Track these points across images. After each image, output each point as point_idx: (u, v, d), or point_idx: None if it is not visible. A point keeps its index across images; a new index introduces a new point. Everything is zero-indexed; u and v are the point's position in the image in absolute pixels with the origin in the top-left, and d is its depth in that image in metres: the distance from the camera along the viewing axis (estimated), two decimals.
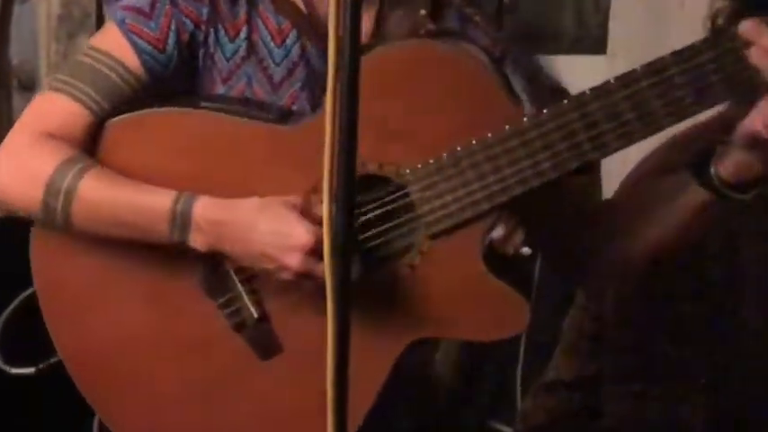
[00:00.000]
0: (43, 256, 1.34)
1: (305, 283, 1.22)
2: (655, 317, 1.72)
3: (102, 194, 1.26)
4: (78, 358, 1.35)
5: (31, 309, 1.36)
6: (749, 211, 1.59)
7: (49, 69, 3.59)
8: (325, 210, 0.87)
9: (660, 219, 1.28)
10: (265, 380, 1.30)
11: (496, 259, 1.26)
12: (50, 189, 1.25)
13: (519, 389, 2.40)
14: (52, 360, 1.37)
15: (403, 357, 1.25)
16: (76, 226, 1.27)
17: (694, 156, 1.21)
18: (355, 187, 0.88)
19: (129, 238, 1.27)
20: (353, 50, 0.85)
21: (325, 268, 0.87)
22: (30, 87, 3.83)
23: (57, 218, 1.27)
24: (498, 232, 2.32)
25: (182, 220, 1.23)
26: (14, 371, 1.41)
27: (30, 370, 1.40)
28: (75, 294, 1.34)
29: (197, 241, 1.24)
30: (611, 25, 2.58)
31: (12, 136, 1.30)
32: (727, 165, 1.18)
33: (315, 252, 1.18)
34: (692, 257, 1.60)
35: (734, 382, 1.65)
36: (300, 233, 1.19)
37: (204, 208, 1.23)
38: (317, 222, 1.19)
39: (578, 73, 2.65)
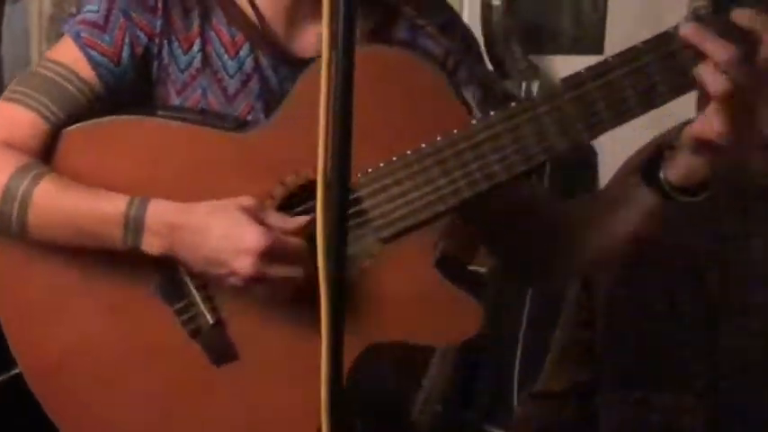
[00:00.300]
0: (1, 261, 1.33)
1: (255, 288, 1.22)
2: (651, 321, 1.69)
3: (56, 201, 1.25)
4: (37, 369, 1.34)
5: None
6: (748, 214, 1.61)
7: None
8: (319, 215, 0.87)
9: (610, 222, 1.29)
10: (222, 386, 1.29)
11: (450, 263, 1.25)
12: (5, 196, 1.25)
13: (516, 394, 2.42)
14: (12, 372, 1.35)
15: (358, 363, 1.23)
16: (32, 233, 1.27)
17: (644, 160, 1.21)
18: (348, 194, 0.88)
19: (84, 244, 1.26)
20: (348, 46, 0.84)
21: (320, 274, 0.87)
22: None
23: (12, 225, 1.26)
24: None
25: (135, 224, 1.22)
26: None
27: None
28: (33, 304, 1.33)
29: (151, 245, 1.23)
30: (609, 25, 2.58)
31: None
32: (675, 168, 1.19)
33: (266, 256, 1.18)
34: (690, 261, 1.60)
35: (733, 388, 1.62)
36: (252, 236, 1.18)
37: (157, 211, 1.22)
38: (269, 226, 1.20)
39: None
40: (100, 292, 1.30)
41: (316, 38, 1.28)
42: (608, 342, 1.75)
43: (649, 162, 1.22)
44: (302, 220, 1.23)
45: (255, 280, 1.20)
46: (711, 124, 1.10)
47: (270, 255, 1.19)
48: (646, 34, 1.15)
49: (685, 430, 1.66)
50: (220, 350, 1.28)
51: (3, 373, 1.37)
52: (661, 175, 1.20)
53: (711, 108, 1.09)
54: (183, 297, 1.29)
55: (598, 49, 2.55)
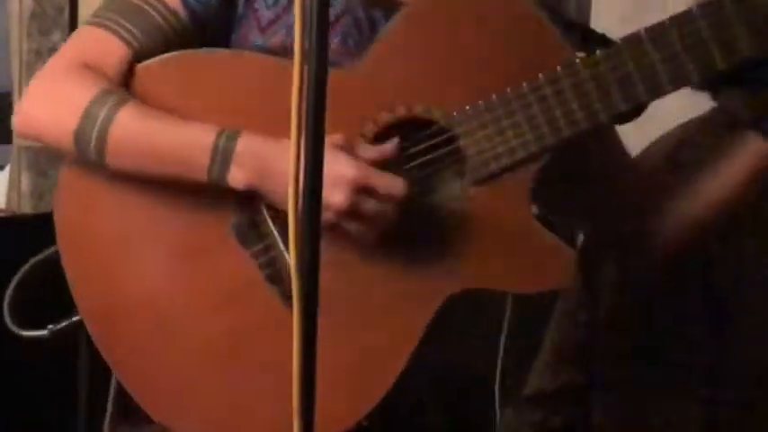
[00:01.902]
0: (68, 205, 1.31)
1: (347, 225, 1.20)
2: (657, 321, 1.69)
3: (141, 125, 1.24)
4: (100, 314, 1.31)
5: (42, 274, 1.35)
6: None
7: (21, 67, 3.50)
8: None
9: (719, 175, 1.29)
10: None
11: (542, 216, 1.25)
12: (87, 118, 1.23)
13: (498, 396, 2.39)
14: (65, 323, 1.34)
15: (442, 312, 1.22)
16: (110, 160, 1.25)
17: (754, 113, 1.23)
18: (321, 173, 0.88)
19: (164, 174, 1.25)
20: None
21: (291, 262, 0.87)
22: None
23: (88, 150, 1.25)
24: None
25: (223, 155, 1.21)
26: (27, 334, 1.36)
27: (43, 332, 1.35)
28: (100, 246, 1.32)
29: (236, 179, 1.21)
30: (593, 26, 2.58)
31: (49, 64, 1.31)
32: None
33: (361, 188, 1.17)
34: (696, 261, 1.59)
35: (735, 388, 1.63)
36: (347, 168, 1.18)
37: (248, 143, 1.21)
38: (365, 162, 1.19)
39: None
40: (170, 234, 1.29)
41: None
42: (610, 342, 1.74)
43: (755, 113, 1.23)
44: (390, 146, 1.22)
45: (349, 214, 1.18)
46: None
47: (365, 188, 1.18)
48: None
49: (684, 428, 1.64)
50: None
51: (63, 319, 1.34)
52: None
53: None
54: (263, 239, 1.28)
55: (582, 48, 2.56)
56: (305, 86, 0.83)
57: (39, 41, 3.54)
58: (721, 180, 1.29)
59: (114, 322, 1.31)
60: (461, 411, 1.44)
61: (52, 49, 2.68)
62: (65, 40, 1.42)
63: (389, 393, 1.23)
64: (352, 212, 1.19)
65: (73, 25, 2.43)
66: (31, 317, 1.36)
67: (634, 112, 1.23)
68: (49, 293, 1.28)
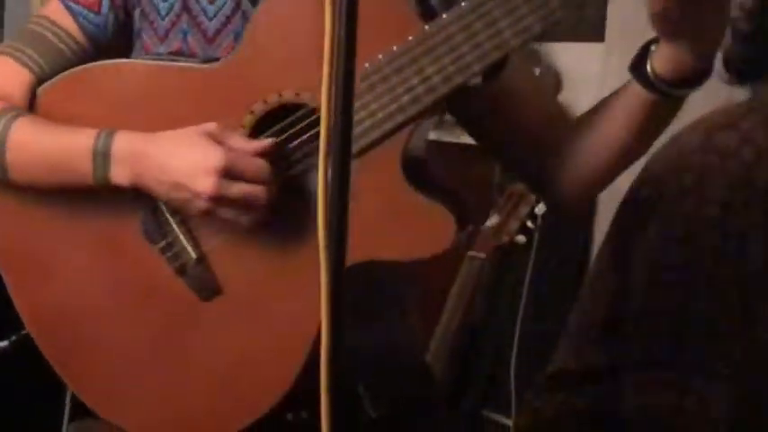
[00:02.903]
0: None
1: (221, 211, 1.22)
2: (693, 301, 1.62)
3: (31, 138, 1.30)
4: (37, 321, 1.37)
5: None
6: None
7: None
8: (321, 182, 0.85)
9: (608, 127, 1.29)
10: (209, 321, 1.31)
11: (419, 169, 1.26)
12: None
13: (513, 379, 2.44)
14: (23, 332, 1.37)
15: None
16: (12, 174, 1.31)
17: (634, 57, 1.22)
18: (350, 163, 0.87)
19: (59, 182, 1.30)
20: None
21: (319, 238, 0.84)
22: None
23: None
24: (493, 220, 2.34)
25: (103, 156, 1.26)
26: None
27: (3, 344, 1.41)
28: (27, 255, 1.37)
29: (118, 176, 1.26)
30: (609, 13, 2.58)
31: None
32: (660, 60, 1.19)
33: (227, 174, 1.20)
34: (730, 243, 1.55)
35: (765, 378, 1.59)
36: (211, 155, 1.21)
37: (123, 141, 1.26)
38: (230, 147, 1.22)
39: (576, 60, 2.65)
40: (86, 239, 1.33)
41: None
42: (643, 321, 1.66)
43: (638, 58, 1.22)
44: (267, 142, 1.24)
45: (217, 200, 1.21)
46: None
47: (230, 173, 1.20)
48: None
49: (714, 416, 1.60)
50: (205, 285, 1.30)
51: (13, 334, 1.39)
52: (648, 68, 1.20)
53: None
54: (166, 235, 1.31)
55: (598, 36, 2.56)
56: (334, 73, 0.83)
57: None
58: (608, 115, 1.30)
59: (50, 327, 1.36)
60: (401, 392, 1.42)
61: None
62: None
63: (302, 377, 1.24)
64: (220, 198, 1.21)
65: None
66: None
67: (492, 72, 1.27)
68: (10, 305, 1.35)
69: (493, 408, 2.51)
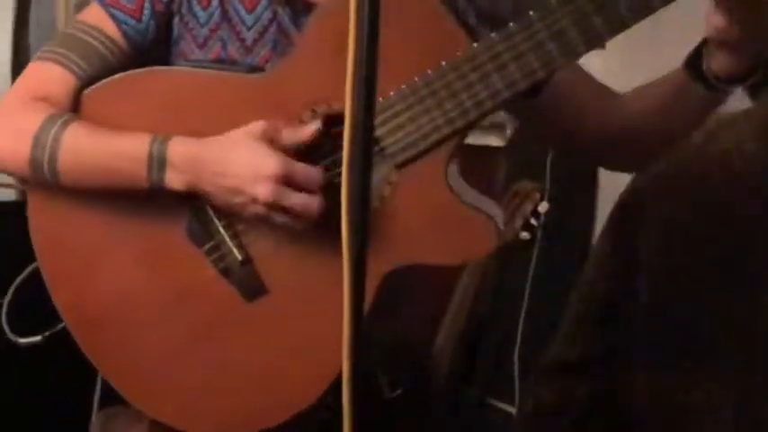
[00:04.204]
0: (39, 217, 1.40)
1: (276, 217, 1.25)
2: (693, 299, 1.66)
3: (83, 142, 1.31)
4: (78, 317, 1.39)
5: (38, 281, 1.41)
6: None
7: None
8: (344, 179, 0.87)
9: (661, 118, 1.30)
10: (255, 321, 1.33)
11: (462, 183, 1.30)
12: (36, 144, 1.31)
13: (516, 368, 2.47)
14: (57, 327, 1.41)
15: (382, 289, 1.27)
16: (63, 178, 1.33)
17: (689, 54, 1.23)
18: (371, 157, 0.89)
19: (112, 185, 1.32)
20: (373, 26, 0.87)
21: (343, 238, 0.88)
22: None
23: (44, 171, 1.32)
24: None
25: (158, 160, 1.27)
26: (23, 341, 1.45)
27: (36, 339, 1.44)
28: (72, 253, 1.39)
29: (173, 180, 1.28)
30: None
31: (4, 101, 1.39)
32: (717, 60, 1.20)
33: (285, 182, 1.23)
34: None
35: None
36: (270, 162, 1.23)
37: (178, 146, 1.27)
38: (287, 154, 1.24)
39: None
40: (133, 241, 1.36)
41: None
42: (649, 315, 1.72)
43: (694, 56, 1.23)
44: (314, 126, 1.26)
45: (275, 207, 1.24)
46: (715, 21, 1.13)
47: (288, 181, 1.23)
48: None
49: (715, 411, 1.63)
50: (251, 286, 1.33)
51: (49, 327, 1.43)
52: (704, 66, 1.21)
53: (713, 6, 1.12)
54: (212, 237, 1.34)
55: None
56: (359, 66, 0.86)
57: None
58: (667, 119, 1.30)
59: (90, 323, 1.38)
60: (416, 384, 1.48)
61: None
62: None
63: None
64: (276, 204, 1.23)
65: None
66: (28, 325, 1.46)
67: (533, 90, 1.28)
68: (46, 300, 1.39)
69: (498, 396, 2.54)
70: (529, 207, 2.34)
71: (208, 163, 1.26)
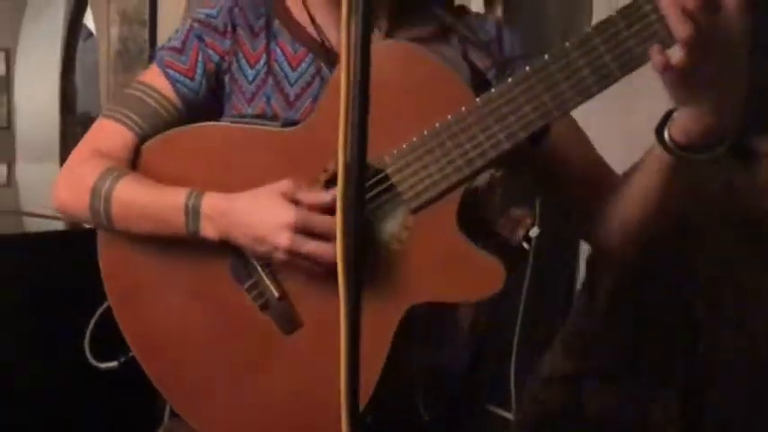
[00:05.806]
0: (108, 257, 1.51)
1: (298, 261, 1.32)
2: (642, 318, 1.78)
3: (132, 195, 1.41)
4: (141, 344, 1.49)
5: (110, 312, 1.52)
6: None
7: (108, 96, 3.72)
8: (339, 197, 0.93)
9: (635, 188, 1.33)
10: (291, 352, 1.40)
11: (474, 225, 1.34)
12: (94, 194, 1.43)
13: (513, 377, 2.60)
14: (131, 354, 1.52)
15: (403, 326, 1.33)
16: (117, 224, 1.43)
17: (658, 123, 1.25)
18: (365, 179, 0.97)
19: (158, 232, 1.41)
20: (364, 57, 0.91)
21: (338, 254, 0.94)
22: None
23: (101, 219, 1.44)
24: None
25: (193, 212, 1.37)
26: (102, 366, 1.57)
27: (113, 364, 1.55)
28: (133, 293, 1.49)
29: (207, 230, 1.37)
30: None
31: (72, 154, 1.50)
32: (676, 126, 1.22)
33: (302, 230, 1.30)
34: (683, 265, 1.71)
35: (712, 387, 1.72)
36: (285, 214, 1.30)
37: (210, 200, 1.37)
38: (305, 205, 1.31)
39: None
40: (185, 276, 1.46)
41: None
42: (605, 333, 1.85)
43: (661, 124, 1.25)
44: (329, 194, 1.31)
45: (294, 253, 1.31)
46: (678, 66, 1.12)
47: (303, 229, 1.30)
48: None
49: (660, 423, 1.76)
50: (287, 320, 1.40)
51: (122, 355, 1.53)
52: (666, 133, 1.23)
53: (678, 53, 1.13)
54: (252, 276, 1.41)
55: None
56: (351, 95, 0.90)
57: (122, 76, 3.86)
58: (637, 181, 1.33)
59: (152, 350, 1.49)
60: (450, 408, 1.57)
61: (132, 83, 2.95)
62: None
63: (373, 397, 1.31)
64: (295, 252, 1.31)
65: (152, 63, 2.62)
66: (107, 350, 1.56)
67: (540, 134, 1.34)
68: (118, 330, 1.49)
69: (495, 403, 2.69)
70: (522, 232, 2.41)
71: (235, 215, 1.35)
